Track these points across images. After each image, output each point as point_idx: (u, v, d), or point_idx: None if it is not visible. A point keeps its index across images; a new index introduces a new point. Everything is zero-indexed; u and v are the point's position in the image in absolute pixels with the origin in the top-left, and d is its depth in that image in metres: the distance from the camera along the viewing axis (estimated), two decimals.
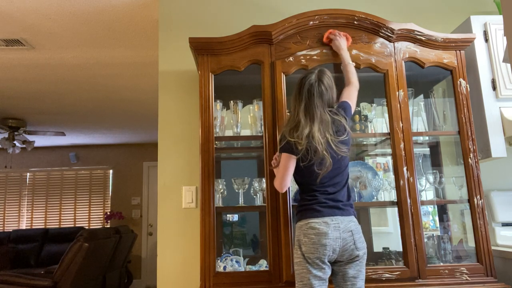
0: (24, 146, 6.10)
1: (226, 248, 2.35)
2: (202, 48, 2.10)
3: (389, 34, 2.13)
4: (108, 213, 6.97)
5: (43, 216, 7.15)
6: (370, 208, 2.44)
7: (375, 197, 2.24)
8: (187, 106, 2.53)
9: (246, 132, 2.26)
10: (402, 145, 2.05)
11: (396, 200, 2.03)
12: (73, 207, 7.21)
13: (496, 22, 2.31)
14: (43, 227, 7.06)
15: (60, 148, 7.36)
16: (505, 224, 2.36)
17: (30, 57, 3.63)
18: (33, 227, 7.09)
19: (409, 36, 2.15)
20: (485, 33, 2.31)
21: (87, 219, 7.17)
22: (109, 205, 7.18)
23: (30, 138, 6.28)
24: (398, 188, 2.03)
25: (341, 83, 1.98)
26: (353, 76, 1.98)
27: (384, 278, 1.93)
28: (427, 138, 2.36)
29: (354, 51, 2.11)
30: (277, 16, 2.38)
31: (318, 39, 2.12)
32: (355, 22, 2.12)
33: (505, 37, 1.42)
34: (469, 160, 2.08)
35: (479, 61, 2.28)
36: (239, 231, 2.47)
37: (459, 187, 2.18)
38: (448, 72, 2.20)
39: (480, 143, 2.23)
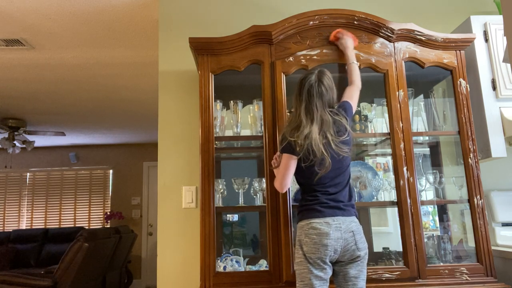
0: (24, 146, 6.10)
1: (226, 248, 2.35)
2: (202, 48, 2.10)
3: (389, 34, 2.13)
4: (108, 213, 6.97)
5: (43, 216, 7.15)
6: (370, 208, 2.44)
7: (375, 197, 2.24)
8: (187, 106, 2.53)
9: (246, 132, 2.26)
10: (402, 145, 2.05)
11: (396, 200, 2.03)
12: (73, 207, 7.21)
13: (496, 22, 2.31)
14: (43, 227, 7.06)
15: (60, 148, 7.36)
16: (505, 224, 2.36)
17: (30, 57, 3.63)
18: (33, 227, 7.09)
19: (409, 36, 2.15)
20: (485, 33, 2.31)
21: (87, 219, 7.17)
22: (109, 205, 7.18)
23: (30, 138, 6.28)
24: (398, 188, 2.03)
25: (341, 83, 1.98)
26: (355, 76, 1.98)
27: (384, 278, 1.93)
28: (427, 138, 2.36)
29: (354, 51, 2.10)
30: (277, 16, 2.38)
31: (318, 39, 2.12)
32: (355, 22, 2.12)
33: (505, 37, 1.42)
34: (469, 160, 2.08)
35: (479, 61, 2.28)
36: (239, 231, 2.47)
37: (459, 187, 2.18)
38: (448, 72, 2.20)
39: (480, 143, 2.23)
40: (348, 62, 2.02)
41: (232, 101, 2.25)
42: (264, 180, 2.07)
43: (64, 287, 4.03)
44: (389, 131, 2.09)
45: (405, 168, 2.03)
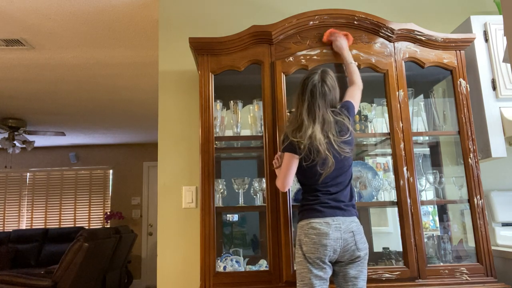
0: (24, 146, 6.10)
1: (226, 248, 2.35)
2: (202, 48, 2.10)
3: (389, 34, 2.13)
4: (108, 213, 6.97)
5: (43, 216, 7.15)
6: (370, 208, 2.44)
7: (375, 197, 2.24)
8: (187, 106, 2.53)
9: (246, 132, 2.26)
10: (402, 145, 2.05)
11: (396, 200, 2.03)
12: (73, 207, 7.21)
13: (496, 22, 2.31)
14: (43, 227, 7.06)
15: (60, 148, 7.36)
16: (505, 224, 2.36)
17: (30, 57, 3.63)
18: (33, 227, 7.09)
19: (409, 36, 2.15)
20: (485, 33, 2.31)
21: (87, 219, 7.17)
22: (109, 205, 7.18)
23: (30, 138, 6.28)
24: (398, 188, 2.03)
25: (343, 83, 1.98)
26: (355, 76, 1.98)
27: (384, 278, 1.93)
28: (427, 138, 2.36)
29: (354, 51, 2.11)
30: (277, 16, 2.38)
31: (318, 39, 2.12)
32: (355, 22, 2.12)
33: (505, 37, 1.42)
34: (469, 160, 2.08)
35: (479, 61, 2.28)
36: (239, 231, 2.47)
37: (459, 187, 2.18)
38: (448, 72, 2.20)
39: (480, 143, 2.23)
40: (346, 63, 2.03)
41: (232, 101, 2.25)
42: (264, 180, 2.07)
43: (64, 287, 4.03)
44: (389, 131, 2.09)
45: (405, 168, 2.03)
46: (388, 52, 2.14)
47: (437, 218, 2.43)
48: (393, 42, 2.15)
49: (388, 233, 2.48)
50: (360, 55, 2.11)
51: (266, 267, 2.04)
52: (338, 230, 1.66)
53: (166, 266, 2.37)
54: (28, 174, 7.30)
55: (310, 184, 1.77)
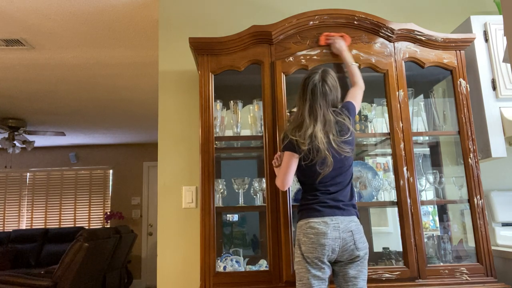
0: (24, 146, 6.10)
1: (226, 248, 2.35)
2: (202, 48, 2.10)
3: (389, 34, 2.13)
4: (108, 213, 6.97)
5: (43, 216, 7.15)
6: (370, 208, 2.44)
7: (375, 197, 2.24)
8: (187, 106, 2.53)
9: (246, 132, 2.26)
10: (402, 145, 2.05)
11: (396, 200, 2.03)
12: (73, 207, 7.21)
13: (496, 22, 2.31)
14: (43, 227, 7.06)
15: (60, 148, 7.36)
16: (505, 224, 2.36)
17: (30, 57, 3.63)
18: (33, 227, 7.09)
19: (409, 36, 2.15)
20: (485, 33, 2.31)
21: (87, 219, 7.17)
22: (109, 205, 7.18)
23: (30, 138, 6.28)
24: (398, 188, 2.03)
25: (343, 83, 1.98)
26: (357, 77, 1.99)
27: (384, 278, 1.93)
28: (427, 138, 2.36)
29: (354, 51, 2.11)
30: (277, 16, 2.38)
31: (318, 39, 2.12)
32: (355, 22, 2.12)
33: (505, 37, 1.42)
34: (469, 160, 2.08)
35: (479, 61, 2.28)
36: (239, 231, 2.47)
37: (459, 187, 2.18)
38: (448, 72, 2.20)
39: (480, 143, 2.23)
40: (347, 65, 2.03)
41: (232, 101, 2.25)
42: (264, 180, 2.07)
43: (64, 287, 4.03)
44: (389, 131, 2.09)
45: (405, 168, 2.03)
46: (388, 52, 2.14)
47: (437, 218, 2.43)
48: (393, 42, 2.15)
49: (388, 233, 2.48)
50: (360, 55, 2.11)
51: (266, 267, 2.04)
52: (336, 229, 1.66)
53: (166, 266, 2.37)
54: (28, 174, 7.30)
55: (309, 183, 1.77)
